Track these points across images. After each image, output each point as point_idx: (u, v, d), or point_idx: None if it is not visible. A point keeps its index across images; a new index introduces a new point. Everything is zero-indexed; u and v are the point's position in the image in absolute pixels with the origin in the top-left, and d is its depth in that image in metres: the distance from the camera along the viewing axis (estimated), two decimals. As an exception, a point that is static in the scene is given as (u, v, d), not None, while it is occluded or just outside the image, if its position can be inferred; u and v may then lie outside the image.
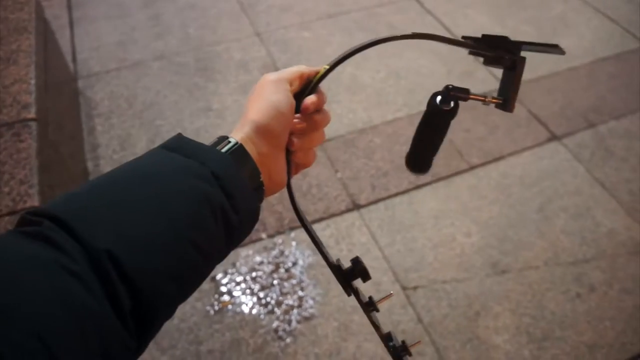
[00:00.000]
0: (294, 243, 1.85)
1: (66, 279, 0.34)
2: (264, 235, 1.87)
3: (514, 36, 0.49)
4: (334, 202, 1.97)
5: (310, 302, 1.71)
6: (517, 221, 1.93)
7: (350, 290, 0.57)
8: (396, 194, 2.00)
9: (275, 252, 1.83)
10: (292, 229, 1.89)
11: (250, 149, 0.50)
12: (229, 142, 0.50)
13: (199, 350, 1.60)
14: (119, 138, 2.22)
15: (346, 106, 2.35)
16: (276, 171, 0.54)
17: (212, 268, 0.46)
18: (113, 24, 2.82)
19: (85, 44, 2.70)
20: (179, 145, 0.47)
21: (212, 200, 0.44)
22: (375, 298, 0.57)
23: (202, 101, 2.38)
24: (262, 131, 0.52)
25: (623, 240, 1.88)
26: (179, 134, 0.49)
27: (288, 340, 1.62)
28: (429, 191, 2.02)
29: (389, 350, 0.56)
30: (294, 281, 1.76)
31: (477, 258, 1.83)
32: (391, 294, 0.58)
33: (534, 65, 2.56)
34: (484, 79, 2.45)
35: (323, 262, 2.08)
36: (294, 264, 1.80)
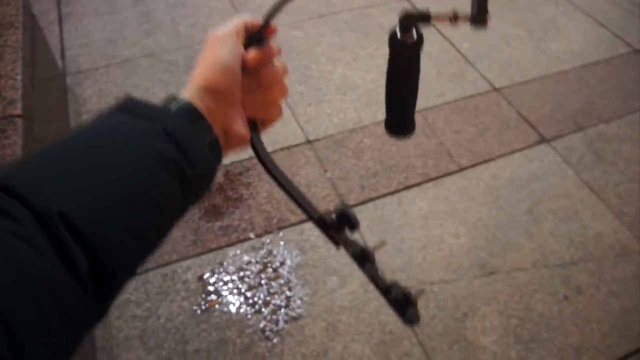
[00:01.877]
0: (282, 243, 1.84)
1: (14, 244, 0.33)
2: (252, 235, 1.86)
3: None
4: (322, 202, 1.96)
5: (298, 302, 1.70)
6: (505, 223, 1.94)
7: (338, 242, 0.54)
8: (385, 195, 2.00)
9: (263, 252, 1.82)
10: (280, 228, 1.88)
11: (198, 106, 0.50)
12: (177, 100, 0.50)
13: (185, 350, 1.59)
14: (107, 135, 2.19)
15: (336, 106, 2.35)
16: (231, 126, 0.53)
17: (170, 224, 0.46)
18: (103, 20, 2.80)
19: (74, 40, 2.67)
20: (129, 106, 0.47)
21: (165, 155, 0.44)
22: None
23: (192, 99, 2.36)
24: (209, 88, 0.51)
25: (610, 243, 1.89)
26: (129, 96, 0.49)
27: (275, 340, 1.62)
28: (418, 192, 2.02)
29: (390, 303, 0.53)
30: (281, 281, 1.75)
31: (465, 259, 1.83)
32: (384, 242, 0.55)
33: (525, 68, 2.58)
34: (475, 80, 2.46)
35: (311, 262, 2.05)
36: (282, 263, 1.79)
